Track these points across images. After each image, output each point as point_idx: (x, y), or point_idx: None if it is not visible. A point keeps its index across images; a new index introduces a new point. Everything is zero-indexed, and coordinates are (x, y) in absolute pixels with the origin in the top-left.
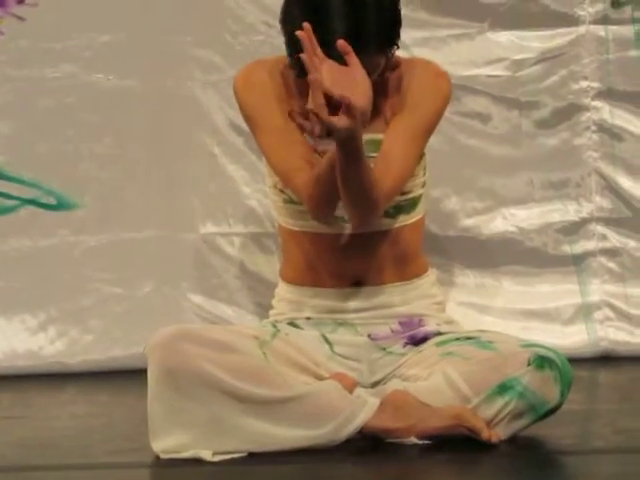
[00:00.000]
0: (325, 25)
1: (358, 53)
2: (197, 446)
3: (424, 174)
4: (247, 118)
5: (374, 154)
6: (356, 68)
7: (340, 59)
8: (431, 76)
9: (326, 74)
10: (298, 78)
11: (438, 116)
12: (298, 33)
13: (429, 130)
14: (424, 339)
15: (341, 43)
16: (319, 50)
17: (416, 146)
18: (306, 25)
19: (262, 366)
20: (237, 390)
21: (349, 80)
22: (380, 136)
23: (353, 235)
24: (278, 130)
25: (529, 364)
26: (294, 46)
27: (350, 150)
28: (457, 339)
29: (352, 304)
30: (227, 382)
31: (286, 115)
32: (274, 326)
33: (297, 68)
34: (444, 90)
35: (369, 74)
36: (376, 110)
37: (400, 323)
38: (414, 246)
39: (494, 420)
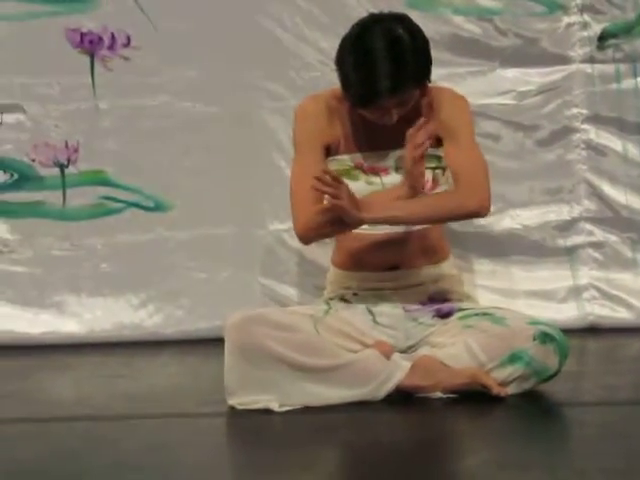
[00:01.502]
0: (372, 69)
1: (399, 89)
2: (266, 400)
3: (447, 183)
4: (293, 141)
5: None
6: None
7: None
8: (455, 99)
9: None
10: (352, 107)
11: (472, 120)
12: (314, 185)
13: (473, 131)
14: (449, 313)
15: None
16: (336, 182)
17: (476, 148)
18: (321, 174)
19: (315, 340)
20: (295, 361)
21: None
22: None
23: (390, 234)
24: (308, 161)
25: (534, 339)
26: (347, 83)
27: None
28: (476, 314)
29: (389, 284)
30: (287, 355)
31: (319, 145)
32: (327, 304)
33: (350, 101)
34: (466, 104)
35: (406, 105)
36: (410, 129)
37: (429, 298)
38: (438, 238)
39: (505, 381)
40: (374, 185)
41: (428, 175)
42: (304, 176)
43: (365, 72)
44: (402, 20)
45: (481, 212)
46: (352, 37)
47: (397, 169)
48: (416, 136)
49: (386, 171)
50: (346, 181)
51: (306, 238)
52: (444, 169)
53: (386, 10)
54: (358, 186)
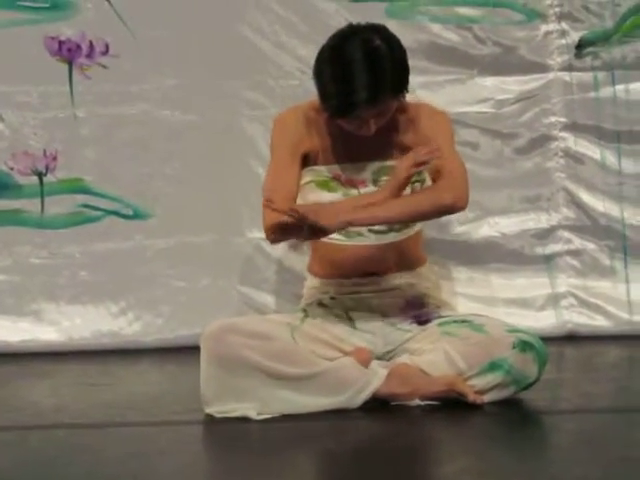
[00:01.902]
0: (349, 80)
1: (377, 100)
2: (244, 408)
3: None
4: (270, 147)
5: (385, 177)
6: None
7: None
8: (434, 114)
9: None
10: (330, 118)
11: (453, 134)
12: (284, 220)
13: (453, 142)
14: (427, 320)
15: None
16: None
17: (455, 153)
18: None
19: (291, 349)
20: (271, 370)
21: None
22: (391, 163)
23: (367, 245)
24: (282, 164)
25: (514, 347)
26: (324, 94)
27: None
28: (455, 321)
29: (367, 288)
30: (264, 364)
31: (296, 153)
32: (304, 311)
33: (328, 111)
34: (445, 118)
35: (384, 115)
36: (387, 142)
37: (407, 302)
38: (416, 247)
39: (484, 389)
40: (351, 197)
41: (407, 189)
42: (276, 178)
43: (343, 83)
44: (380, 31)
45: (456, 206)
46: (330, 48)
47: (374, 181)
48: (422, 154)
49: (364, 183)
50: (323, 192)
51: (272, 239)
52: (422, 182)
53: (365, 19)
54: (335, 198)
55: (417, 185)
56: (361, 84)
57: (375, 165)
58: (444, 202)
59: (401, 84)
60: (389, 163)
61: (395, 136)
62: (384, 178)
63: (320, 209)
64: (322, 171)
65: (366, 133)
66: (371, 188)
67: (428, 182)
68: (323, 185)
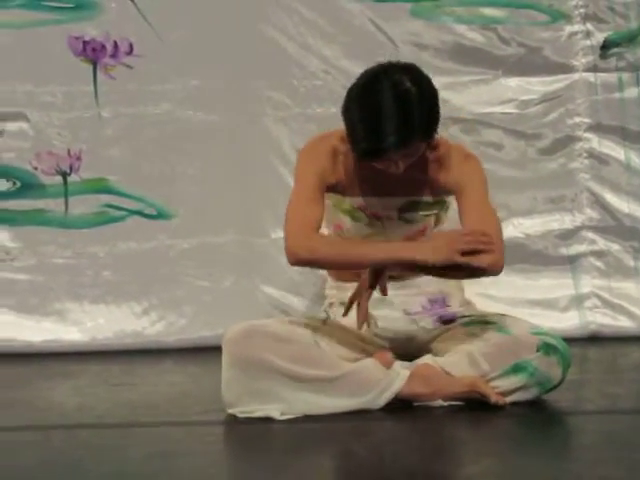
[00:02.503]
0: (378, 124)
1: (406, 145)
2: (267, 409)
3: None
4: (295, 175)
5: (410, 213)
6: None
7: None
8: (467, 158)
9: None
10: (359, 159)
11: (485, 179)
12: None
13: (487, 190)
14: (451, 320)
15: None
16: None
17: (489, 205)
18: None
19: (313, 352)
20: (293, 372)
21: None
22: (421, 198)
23: None
24: (306, 196)
25: (538, 350)
26: (353, 135)
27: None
28: (479, 322)
29: (389, 289)
30: (285, 367)
31: (321, 186)
32: (326, 312)
33: (355, 153)
34: (477, 164)
35: (413, 156)
36: (415, 178)
37: (429, 300)
38: None
39: (507, 391)
40: (375, 227)
41: (430, 220)
42: (300, 207)
43: (371, 127)
44: (411, 71)
45: (491, 270)
46: (360, 88)
47: (400, 217)
48: (472, 242)
49: (388, 217)
50: (346, 218)
51: (296, 264)
52: (446, 209)
53: (389, 20)
54: (359, 227)
55: (442, 213)
56: (390, 129)
57: (401, 200)
58: (482, 267)
59: (431, 128)
60: (415, 199)
61: (423, 173)
62: (410, 214)
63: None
64: (346, 201)
65: (394, 172)
66: (395, 222)
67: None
68: (347, 212)
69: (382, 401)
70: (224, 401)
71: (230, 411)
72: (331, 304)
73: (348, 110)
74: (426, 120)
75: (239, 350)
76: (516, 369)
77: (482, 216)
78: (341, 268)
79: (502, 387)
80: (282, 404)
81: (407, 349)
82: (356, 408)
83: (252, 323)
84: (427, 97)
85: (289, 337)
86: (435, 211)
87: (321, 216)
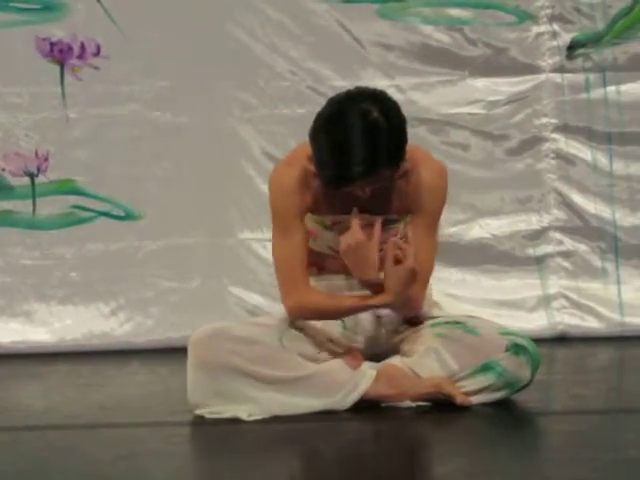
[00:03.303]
0: (345, 155)
1: (372, 174)
2: (234, 409)
3: None
4: (274, 219)
5: (385, 225)
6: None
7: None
8: (437, 177)
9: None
10: (325, 186)
11: (443, 207)
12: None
13: (439, 220)
14: (419, 321)
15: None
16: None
17: (435, 238)
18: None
19: (278, 353)
20: (257, 374)
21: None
22: (389, 216)
23: None
24: (290, 239)
25: (507, 350)
26: (320, 163)
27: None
28: (447, 323)
29: (359, 287)
30: (249, 368)
31: (298, 214)
32: None
33: (322, 180)
34: (444, 184)
35: (379, 183)
36: (385, 196)
37: None
38: None
39: (475, 391)
40: None
41: (400, 226)
42: (289, 256)
43: (338, 157)
44: (379, 100)
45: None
46: (327, 116)
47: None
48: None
49: None
50: (320, 228)
51: (299, 316)
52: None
53: (356, 20)
54: (330, 235)
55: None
56: (357, 160)
57: (370, 218)
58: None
59: (398, 156)
60: (384, 217)
61: (390, 191)
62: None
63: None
64: (319, 218)
65: (361, 195)
66: (366, 232)
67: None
68: (320, 223)
69: (349, 402)
70: (190, 403)
71: (197, 412)
72: None
73: (316, 138)
74: (393, 149)
75: (203, 353)
76: (484, 369)
77: (420, 248)
78: (324, 319)
79: (470, 387)
80: (249, 405)
81: (375, 350)
82: (323, 409)
83: (216, 325)
84: (395, 126)
85: (253, 339)
86: (404, 221)
87: (304, 250)
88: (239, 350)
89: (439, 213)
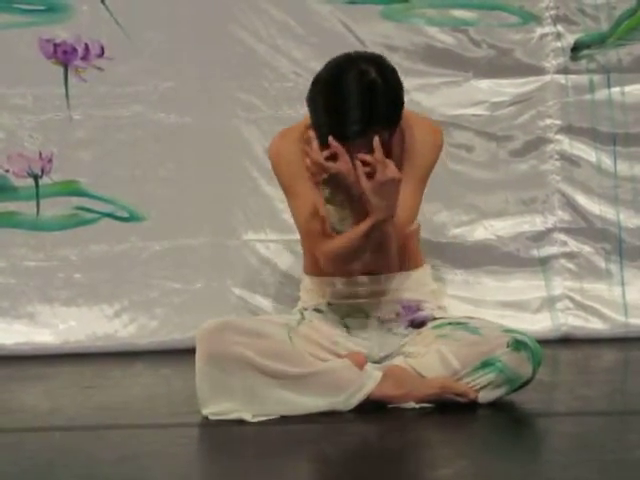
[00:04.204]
0: (343, 114)
1: (368, 133)
2: (239, 411)
3: None
4: (283, 186)
5: None
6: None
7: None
8: (429, 133)
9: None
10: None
11: (434, 165)
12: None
13: (427, 177)
14: (423, 323)
15: (333, 144)
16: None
17: (419, 192)
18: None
19: (287, 348)
20: (266, 368)
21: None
22: None
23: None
24: (305, 200)
25: (508, 346)
26: (317, 123)
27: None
28: (450, 324)
29: (363, 290)
30: (258, 362)
31: (305, 178)
32: (301, 314)
33: (318, 139)
34: (438, 144)
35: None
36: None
37: (403, 307)
38: (412, 247)
39: (478, 388)
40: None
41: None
42: (305, 212)
43: (335, 116)
44: (377, 62)
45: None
46: (325, 78)
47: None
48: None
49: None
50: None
51: (333, 264)
52: None
53: (360, 22)
54: (331, 210)
55: None
56: (354, 119)
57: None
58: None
59: (394, 119)
60: None
61: (388, 154)
62: None
63: None
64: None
65: (358, 154)
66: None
67: None
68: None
69: (354, 402)
70: (198, 396)
71: (204, 412)
72: (306, 308)
73: (313, 99)
74: (390, 111)
75: (211, 345)
76: (485, 365)
77: (403, 201)
78: (354, 257)
79: (471, 384)
80: (254, 401)
81: (380, 355)
82: (328, 409)
83: (225, 318)
84: (392, 87)
85: (262, 332)
86: None
87: (318, 205)
88: (247, 342)
89: (427, 169)
